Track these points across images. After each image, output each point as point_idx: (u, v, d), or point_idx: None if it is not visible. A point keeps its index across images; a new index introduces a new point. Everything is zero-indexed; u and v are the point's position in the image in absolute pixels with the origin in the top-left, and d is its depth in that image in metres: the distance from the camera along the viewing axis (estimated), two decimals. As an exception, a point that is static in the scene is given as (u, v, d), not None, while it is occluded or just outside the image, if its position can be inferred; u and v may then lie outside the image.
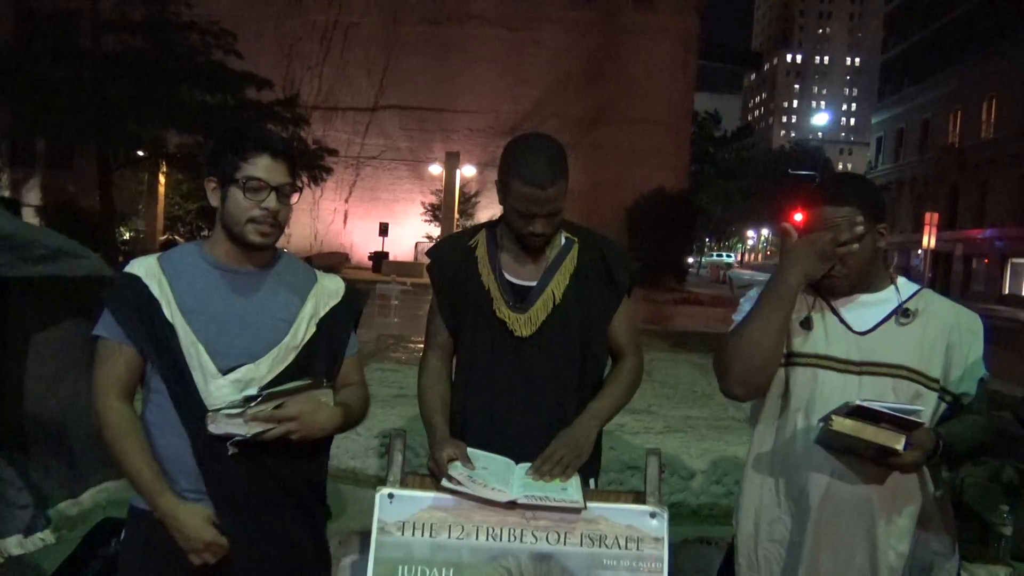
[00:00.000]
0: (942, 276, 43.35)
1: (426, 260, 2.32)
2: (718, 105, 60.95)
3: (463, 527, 1.88)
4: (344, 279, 2.08)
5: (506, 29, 35.05)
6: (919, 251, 39.46)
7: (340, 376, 1.99)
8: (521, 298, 2.14)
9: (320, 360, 1.91)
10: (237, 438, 1.73)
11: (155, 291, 1.82)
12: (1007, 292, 38.05)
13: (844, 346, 1.92)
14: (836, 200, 1.91)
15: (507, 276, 2.17)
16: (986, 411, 1.95)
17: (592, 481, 2.22)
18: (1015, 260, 38.07)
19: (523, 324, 2.12)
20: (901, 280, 2.01)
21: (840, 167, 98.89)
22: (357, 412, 1.99)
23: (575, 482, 1.97)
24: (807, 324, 1.96)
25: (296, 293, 1.93)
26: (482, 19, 35.07)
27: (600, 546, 1.88)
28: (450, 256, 2.24)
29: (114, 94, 21.74)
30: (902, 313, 1.93)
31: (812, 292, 2.00)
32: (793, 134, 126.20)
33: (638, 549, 1.89)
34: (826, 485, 1.89)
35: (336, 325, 1.97)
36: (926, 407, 1.88)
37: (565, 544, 1.88)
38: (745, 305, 2.06)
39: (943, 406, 1.92)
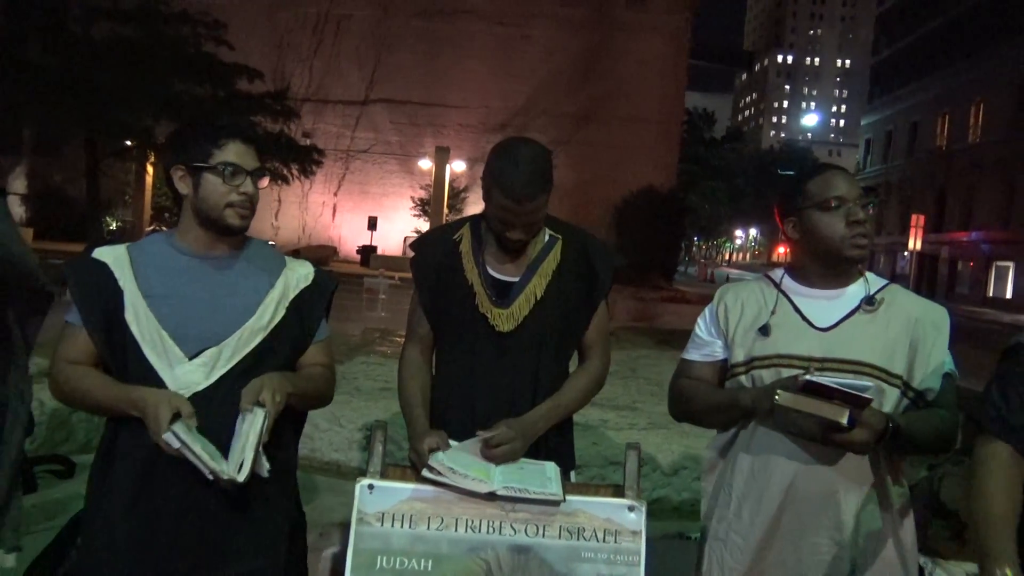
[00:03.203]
0: (928, 278, 43.66)
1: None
2: (709, 105, 61.22)
3: (442, 519, 1.89)
4: (314, 265, 2.09)
5: (498, 24, 35.05)
6: (905, 253, 39.74)
7: (305, 358, 1.99)
8: (503, 293, 2.16)
9: (286, 343, 1.91)
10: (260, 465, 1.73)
11: (121, 280, 1.84)
12: (991, 295, 38.37)
13: (805, 344, 1.91)
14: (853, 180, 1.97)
15: (490, 271, 2.18)
16: (953, 406, 1.92)
17: (572, 474, 2.24)
18: (999, 263, 38.40)
19: (505, 319, 2.14)
20: (870, 275, 2.00)
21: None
22: (317, 378, 1.98)
23: (555, 475, 1.99)
24: (765, 331, 1.95)
25: (265, 276, 1.94)
26: (474, 14, 35.05)
27: (578, 539, 1.90)
28: (434, 249, 2.25)
29: (103, 83, 21.59)
30: (867, 301, 1.93)
31: (774, 289, 2.02)
32: (783, 134, 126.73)
33: (616, 542, 1.91)
34: (785, 490, 1.88)
35: (306, 309, 1.98)
36: (887, 403, 1.86)
37: (544, 536, 1.89)
38: (698, 331, 2.10)
39: (905, 402, 1.89)
